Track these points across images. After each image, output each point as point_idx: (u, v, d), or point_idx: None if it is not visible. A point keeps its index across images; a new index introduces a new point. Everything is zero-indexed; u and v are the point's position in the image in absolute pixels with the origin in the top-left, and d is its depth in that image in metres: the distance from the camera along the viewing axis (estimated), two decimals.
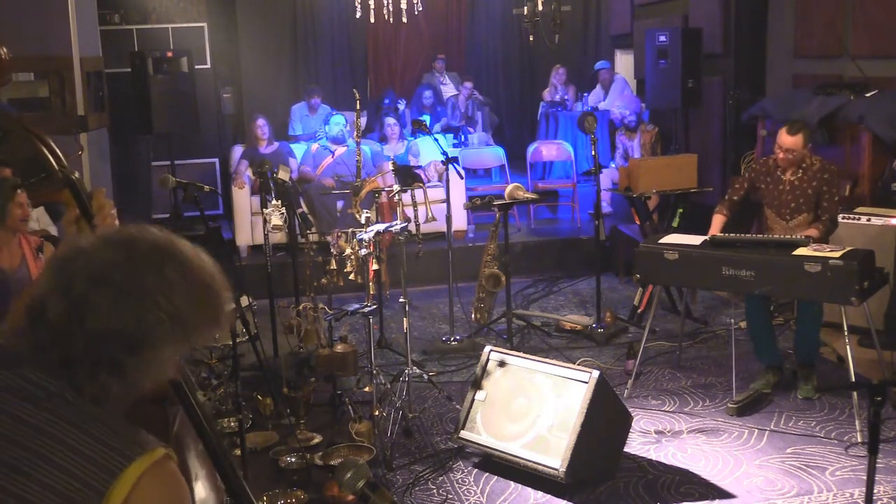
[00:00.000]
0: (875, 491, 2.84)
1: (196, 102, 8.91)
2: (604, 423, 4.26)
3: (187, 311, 1.48)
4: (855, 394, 4.77)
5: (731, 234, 5.24)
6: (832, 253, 4.70)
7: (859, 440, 4.54)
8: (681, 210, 7.12)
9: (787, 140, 5.23)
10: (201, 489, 1.93)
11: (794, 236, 5.05)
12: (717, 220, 5.47)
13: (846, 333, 4.73)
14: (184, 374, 1.80)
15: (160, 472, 1.45)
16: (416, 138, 9.03)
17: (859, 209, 6.12)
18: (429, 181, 7.98)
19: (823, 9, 7.67)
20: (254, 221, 8.06)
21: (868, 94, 6.73)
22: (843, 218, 5.92)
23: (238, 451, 4.09)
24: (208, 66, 10.42)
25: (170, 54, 8.78)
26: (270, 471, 4.47)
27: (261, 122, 8.41)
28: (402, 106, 10.27)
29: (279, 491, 4.23)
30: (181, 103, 8.60)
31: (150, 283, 1.45)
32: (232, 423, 4.87)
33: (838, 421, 4.83)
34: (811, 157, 5.34)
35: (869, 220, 5.99)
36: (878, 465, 2.74)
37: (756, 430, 4.77)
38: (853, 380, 4.74)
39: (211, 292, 1.52)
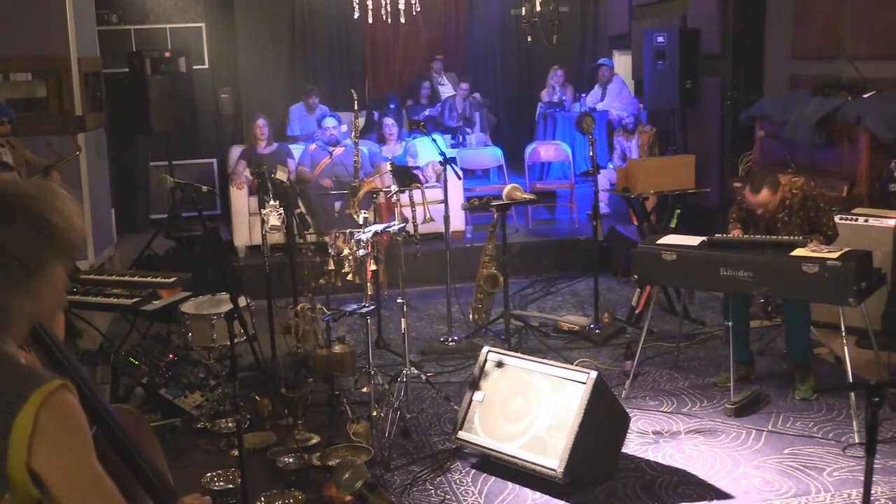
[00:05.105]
0: (872, 492, 2.84)
1: (194, 103, 8.92)
2: (602, 423, 4.26)
3: (21, 252, 1.63)
4: (852, 394, 4.77)
5: (729, 235, 5.24)
6: (830, 254, 4.71)
7: (857, 441, 4.54)
8: (678, 210, 7.13)
9: (756, 199, 5.15)
10: None
11: (793, 238, 5.05)
12: (736, 234, 5.38)
13: (844, 334, 4.73)
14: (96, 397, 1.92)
15: (57, 402, 1.59)
16: (414, 139, 9.04)
17: (857, 210, 6.12)
18: (427, 182, 7.99)
19: (821, 10, 7.68)
20: (252, 222, 8.06)
21: (866, 95, 6.73)
22: (841, 219, 5.92)
23: (236, 452, 4.09)
24: (206, 66, 10.43)
25: (168, 54, 8.78)
26: (268, 471, 4.46)
27: (261, 122, 8.41)
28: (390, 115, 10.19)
29: (277, 491, 4.22)
30: (179, 103, 8.60)
31: None
32: (230, 424, 4.88)
33: (836, 422, 4.84)
34: (791, 189, 5.23)
35: (866, 220, 6.00)
36: (875, 466, 2.74)
37: (754, 431, 4.77)
38: (851, 381, 4.75)
39: (44, 230, 1.66)
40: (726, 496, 4.11)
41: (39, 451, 1.57)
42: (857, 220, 6.00)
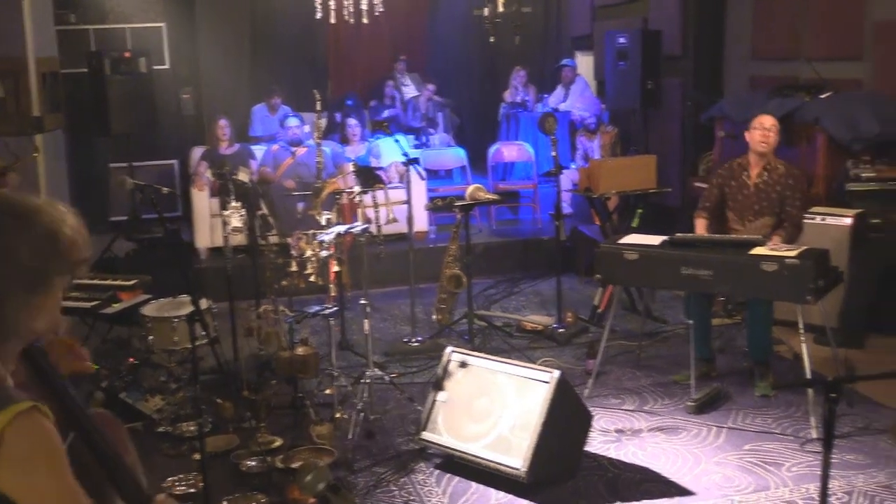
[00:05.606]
0: (829, 486, 2.88)
1: (154, 103, 8.82)
2: (565, 422, 4.28)
3: (32, 264, 1.62)
4: (810, 391, 4.84)
5: (690, 234, 5.30)
6: (788, 252, 4.77)
7: (815, 436, 4.61)
8: (640, 210, 7.18)
9: (769, 119, 5.42)
10: None
11: (752, 236, 5.12)
12: (701, 224, 5.51)
13: (802, 331, 4.80)
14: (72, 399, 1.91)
15: (25, 423, 1.55)
16: (377, 139, 9.02)
17: (815, 209, 6.20)
18: (390, 182, 7.97)
19: (780, 12, 7.79)
20: (213, 223, 7.99)
21: (823, 96, 6.84)
22: None
23: (198, 456, 4.05)
24: (167, 66, 10.32)
25: (127, 55, 8.68)
26: (231, 474, 4.43)
27: (223, 122, 8.35)
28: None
29: (240, 495, 4.20)
30: (139, 104, 8.51)
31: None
32: (191, 427, 4.84)
33: (794, 417, 4.90)
34: (776, 160, 5.43)
35: (824, 219, 6.08)
36: (832, 461, 2.78)
37: (714, 428, 4.82)
38: (809, 377, 4.81)
39: (54, 243, 1.65)
40: (688, 493, 4.15)
41: (6, 474, 1.54)
42: (815, 218, 6.08)
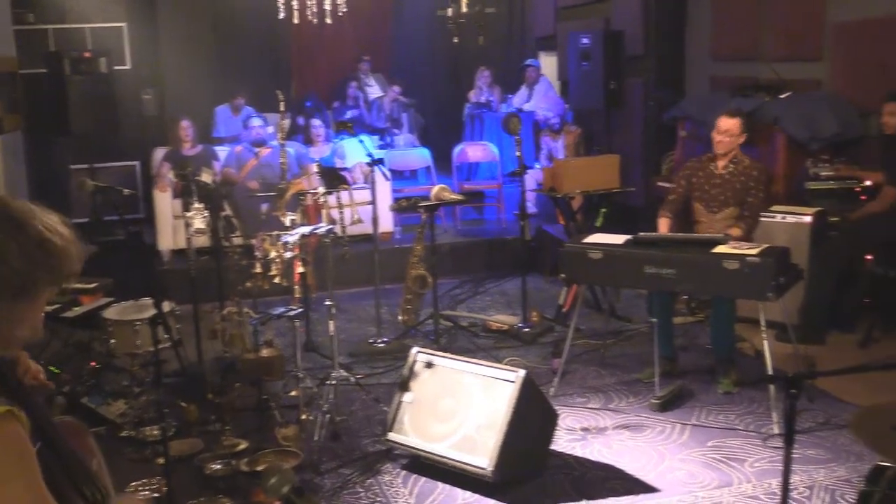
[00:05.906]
0: (791, 480, 2.92)
1: (115, 104, 8.73)
2: (531, 421, 4.29)
3: (21, 268, 1.60)
4: (772, 387, 4.90)
5: (653, 234, 5.34)
6: (749, 250, 4.83)
7: (776, 432, 4.66)
8: (604, 210, 7.23)
9: (726, 122, 5.53)
10: None
11: (714, 235, 5.18)
12: (664, 224, 5.60)
13: (763, 328, 4.86)
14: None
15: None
16: (342, 140, 9.00)
17: (775, 207, 6.29)
18: (354, 183, 7.96)
19: (739, 12, 7.87)
20: (176, 225, 7.92)
21: (782, 96, 6.92)
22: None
23: (162, 460, 4.01)
24: (128, 66, 10.22)
25: (87, 55, 8.58)
26: (195, 478, 4.39)
27: (185, 123, 8.29)
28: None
29: (205, 499, 4.16)
30: (100, 105, 8.42)
31: None
32: (155, 431, 4.79)
33: (756, 414, 4.96)
34: (742, 155, 5.57)
35: (784, 217, 6.17)
36: (793, 456, 2.81)
37: (678, 425, 4.86)
38: (770, 373, 4.87)
39: (45, 250, 1.65)
40: (653, 489, 4.18)
41: None
42: (775, 217, 6.16)
